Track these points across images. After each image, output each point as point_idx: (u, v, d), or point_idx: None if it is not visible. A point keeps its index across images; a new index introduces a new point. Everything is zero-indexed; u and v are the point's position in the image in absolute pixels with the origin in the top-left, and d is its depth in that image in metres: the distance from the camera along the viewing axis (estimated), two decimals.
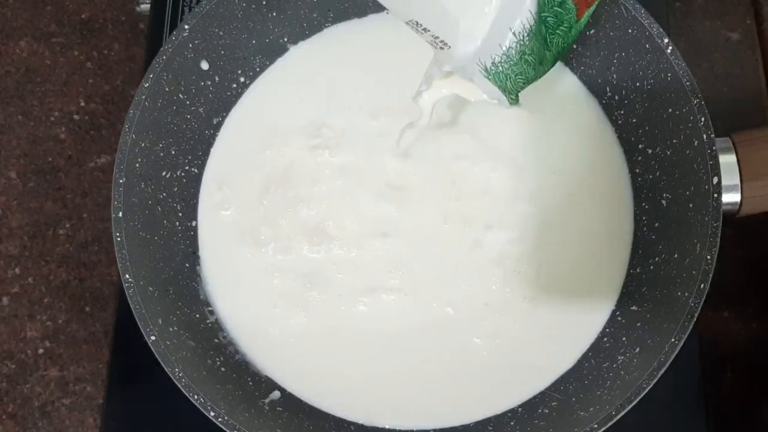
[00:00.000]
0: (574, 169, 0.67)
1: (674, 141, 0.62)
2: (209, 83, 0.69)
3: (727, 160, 0.61)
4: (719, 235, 0.57)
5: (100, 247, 0.79)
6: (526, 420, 0.62)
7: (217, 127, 0.71)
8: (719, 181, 0.58)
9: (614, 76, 0.67)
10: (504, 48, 0.58)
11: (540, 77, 0.62)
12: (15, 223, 0.80)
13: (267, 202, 0.68)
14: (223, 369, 0.63)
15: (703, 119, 0.59)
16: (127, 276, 0.60)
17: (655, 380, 0.56)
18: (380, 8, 0.71)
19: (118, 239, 0.60)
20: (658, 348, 0.57)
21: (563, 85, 0.70)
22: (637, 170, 0.67)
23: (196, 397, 0.57)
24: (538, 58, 0.61)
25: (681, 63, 0.61)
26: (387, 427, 0.63)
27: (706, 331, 0.70)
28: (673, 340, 0.56)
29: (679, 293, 0.58)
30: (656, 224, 0.65)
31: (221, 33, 0.68)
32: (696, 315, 0.56)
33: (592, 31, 0.67)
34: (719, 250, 0.57)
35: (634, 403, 0.56)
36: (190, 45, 0.66)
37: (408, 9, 0.53)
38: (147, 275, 0.62)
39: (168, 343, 0.59)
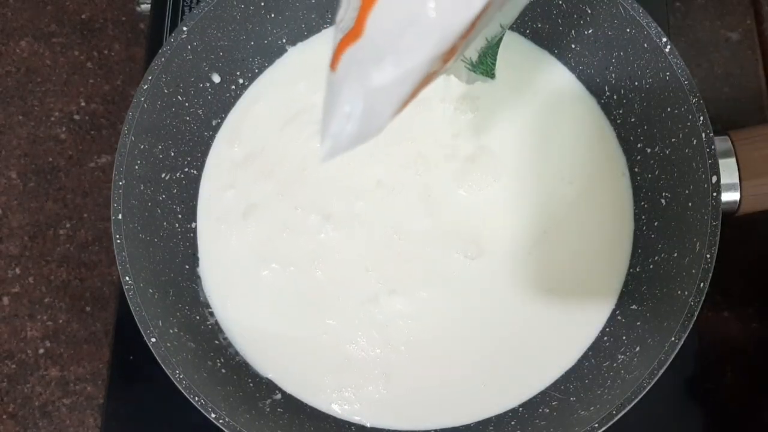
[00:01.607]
0: (574, 168, 0.67)
1: (673, 140, 0.62)
2: (208, 85, 0.69)
3: (726, 159, 0.61)
4: (719, 233, 0.57)
5: (100, 247, 0.79)
6: (526, 419, 0.62)
7: (216, 128, 0.71)
8: (718, 180, 0.58)
9: (613, 75, 0.67)
10: (488, 38, 0.58)
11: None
12: (15, 223, 0.80)
13: (267, 202, 0.68)
14: (223, 370, 0.63)
15: (701, 118, 0.59)
16: (127, 278, 0.60)
17: (656, 379, 0.56)
18: None
19: (118, 241, 0.60)
20: (659, 347, 0.57)
21: (562, 84, 0.70)
22: (636, 169, 0.67)
23: (197, 398, 0.57)
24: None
25: (679, 62, 0.61)
26: (387, 427, 0.63)
27: (706, 330, 0.70)
28: (673, 338, 0.56)
29: (679, 292, 0.58)
30: (656, 223, 0.64)
31: (220, 35, 0.68)
32: (696, 313, 0.56)
33: (590, 31, 0.67)
34: (719, 250, 0.57)
35: (634, 402, 0.56)
36: (189, 47, 0.66)
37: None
38: (147, 277, 0.62)
39: (168, 345, 0.59)
